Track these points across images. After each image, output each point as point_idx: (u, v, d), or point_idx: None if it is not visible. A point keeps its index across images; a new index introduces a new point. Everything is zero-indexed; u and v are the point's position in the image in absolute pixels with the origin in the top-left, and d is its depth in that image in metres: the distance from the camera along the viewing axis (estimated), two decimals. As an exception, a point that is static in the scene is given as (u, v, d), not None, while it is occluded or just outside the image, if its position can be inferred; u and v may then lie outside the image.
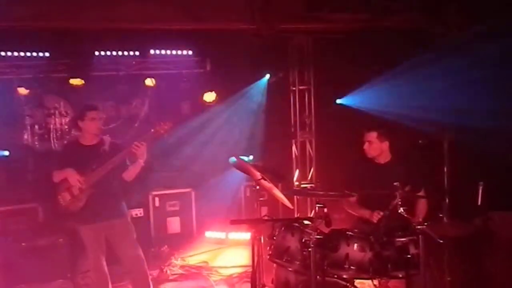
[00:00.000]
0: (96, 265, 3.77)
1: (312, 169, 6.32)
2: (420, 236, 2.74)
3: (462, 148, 3.70)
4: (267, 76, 6.28)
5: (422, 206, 3.52)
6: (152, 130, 3.67)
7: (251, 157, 5.29)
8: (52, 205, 5.30)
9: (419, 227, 2.71)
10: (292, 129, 6.36)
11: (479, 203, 2.99)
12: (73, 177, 3.59)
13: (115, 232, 3.77)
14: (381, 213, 3.23)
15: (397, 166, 3.62)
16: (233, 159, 3.43)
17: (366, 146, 3.69)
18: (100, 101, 6.19)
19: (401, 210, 2.87)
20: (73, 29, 4.89)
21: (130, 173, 3.72)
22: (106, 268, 3.80)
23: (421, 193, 3.55)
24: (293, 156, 6.38)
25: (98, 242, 3.76)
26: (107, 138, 3.83)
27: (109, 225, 3.73)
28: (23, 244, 4.78)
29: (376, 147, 3.66)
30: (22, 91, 5.68)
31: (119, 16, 4.65)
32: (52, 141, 6.24)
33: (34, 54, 5.34)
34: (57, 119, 6.28)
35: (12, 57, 5.31)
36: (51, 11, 4.51)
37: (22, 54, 5.30)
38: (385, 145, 3.67)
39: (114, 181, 3.72)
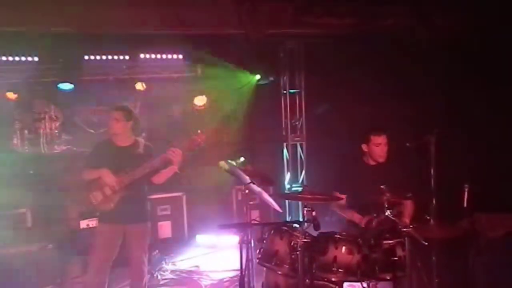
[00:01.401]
0: (101, 266, 3.70)
1: (303, 172, 6.35)
2: (406, 238, 2.77)
3: (448, 150, 3.75)
4: (257, 76, 6.29)
5: (409, 207, 3.55)
6: (189, 141, 3.66)
7: (242, 158, 5.30)
8: (43, 209, 5.32)
9: (405, 229, 2.74)
10: (283, 133, 6.38)
11: (465, 205, 3.02)
12: (109, 178, 3.57)
13: (133, 235, 3.75)
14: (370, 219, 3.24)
15: (387, 168, 3.64)
16: (223, 163, 3.45)
17: (378, 149, 3.61)
18: (90, 105, 6.20)
19: (388, 213, 2.90)
20: (63, 33, 4.88)
21: (162, 177, 3.72)
22: (108, 270, 3.76)
23: (408, 195, 3.56)
24: (284, 159, 6.40)
25: (113, 243, 3.72)
26: (141, 140, 3.83)
27: (130, 227, 3.72)
28: (11, 250, 4.74)
29: (385, 150, 3.64)
30: (11, 95, 5.65)
31: (109, 20, 4.64)
32: (41, 146, 6.20)
33: (23, 58, 5.30)
34: (47, 124, 6.23)
35: (0, 61, 5.27)
36: (40, 15, 4.50)
37: (10, 58, 5.27)
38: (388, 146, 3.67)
39: (144, 185, 3.73)
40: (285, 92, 6.32)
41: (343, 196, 3.58)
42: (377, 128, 3.69)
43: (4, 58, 5.24)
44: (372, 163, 3.70)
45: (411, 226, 2.75)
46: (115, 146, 3.76)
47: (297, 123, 6.35)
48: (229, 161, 3.62)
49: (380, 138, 3.63)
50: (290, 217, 5.99)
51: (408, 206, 3.53)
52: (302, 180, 6.32)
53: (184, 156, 3.66)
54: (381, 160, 3.66)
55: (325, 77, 6.52)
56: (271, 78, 6.20)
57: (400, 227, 2.79)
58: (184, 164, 3.74)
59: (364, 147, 3.68)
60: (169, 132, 6.21)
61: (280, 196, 3.76)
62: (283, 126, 6.37)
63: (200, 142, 3.66)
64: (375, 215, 3.06)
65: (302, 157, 6.36)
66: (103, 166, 3.62)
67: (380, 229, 3.07)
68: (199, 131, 3.68)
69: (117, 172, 3.60)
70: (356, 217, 3.48)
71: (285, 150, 6.39)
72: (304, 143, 6.37)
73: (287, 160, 6.38)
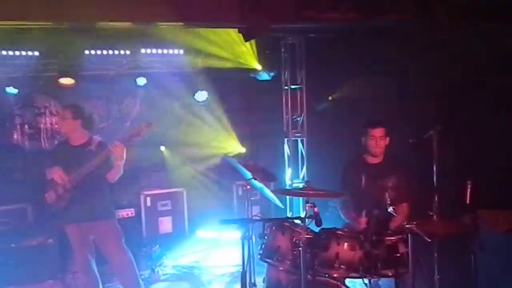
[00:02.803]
0: (84, 265, 3.76)
1: (304, 168, 6.34)
2: (409, 234, 2.76)
3: (451, 147, 3.73)
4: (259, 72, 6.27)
5: (402, 209, 3.48)
6: (131, 132, 3.69)
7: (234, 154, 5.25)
8: (40, 204, 5.32)
9: (407, 226, 2.73)
10: (284, 128, 6.36)
11: (467, 201, 3.01)
12: (59, 176, 3.59)
13: (100, 234, 3.77)
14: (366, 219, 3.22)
15: (388, 166, 3.62)
16: (225, 158, 3.44)
17: (373, 142, 3.59)
18: (91, 101, 6.18)
19: (390, 209, 2.89)
20: (63, 28, 4.84)
21: (112, 175, 3.70)
22: (95, 269, 3.78)
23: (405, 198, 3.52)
24: (285, 155, 6.38)
25: (85, 242, 3.75)
26: (96, 138, 3.81)
27: (93, 226, 3.72)
28: (12, 245, 4.74)
29: (382, 144, 3.61)
30: (11, 90, 5.62)
31: (109, 15, 4.61)
32: (42, 141, 6.19)
33: (24, 53, 5.27)
34: (47, 119, 6.22)
35: (0, 56, 5.24)
36: (41, 9, 4.46)
37: (11, 53, 5.24)
38: (387, 140, 3.64)
39: (98, 182, 3.69)
40: (286, 87, 6.29)
41: (345, 193, 3.56)
42: (374, 121, 3.66)
43: (4, 52, 5.21)
44: (371, 161, 3.68)
45: (413, 222, 2.73)
46: (69, 145, 3.78)
47: (298, 118, 6.32)
48: (228, 156, 3.61)
49: (376, 131, 3.60)
50: (291, 213, 5.99)
51: (402, 209, 3.47)
52: (304, 176, 6.31)
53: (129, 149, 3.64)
54: (377, 154, 3.63)
55: (327, 73, 6.51)
56: (272, 74, 6.17)
57: (403, 223, 2.78)
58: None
59: (363, 140, 3.67)
60: (169, 127, 6.21)
61: (282, 192, 3.75)
62: (284, 121, 6.35)
63: (139, 133, 3.63)
64: (377, 211, 3.04)
65: (303, 152, 6.35)
66: (59, 165, 3.63)
67: (382, 225, 3.06)
68: (143, 123, 3.67)
69: (69, 171, 3.60)
70: (355, 219, 3.46)
71: (286, 146, 6.37)
72: (305, 139, 6.35)
73: (288, 156, 6.36)
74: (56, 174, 3.60)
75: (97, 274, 3.79)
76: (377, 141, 3.59)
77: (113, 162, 3.64)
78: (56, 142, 6.02)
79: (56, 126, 6.24)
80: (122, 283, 3.91)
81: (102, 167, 3.63)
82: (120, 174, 3.72)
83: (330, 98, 6.72)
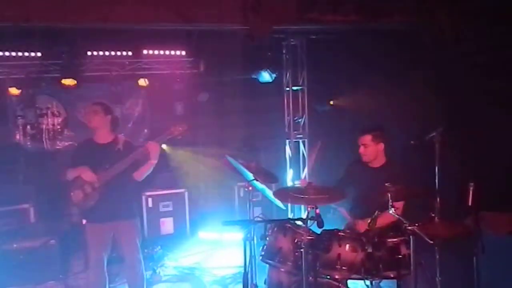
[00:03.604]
0: (96, 264, 3.72)
1: (305, 169, 6.34)
2: (411, 236, 2.76)
3: (453, 148, 3.73)
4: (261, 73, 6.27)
5: (398, 206, 3.47)
6: (167, 132, 3.65)
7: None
8: (46, 205, 5.33)
9: (410, 227, 2.73)
10: (286, 129, 6.37)
11: (470, 203, 3.00)
12: (88, 175, 3.56)
13: (123, 233, 3.75)
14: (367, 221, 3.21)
15: (388, 170, 3.61)
16: (228, 158, 3.45)
17: (362, 150, 3.61)
18: (93, 101, 6.20)
19: (392, 211, 2.88)
20: (66, 29, 4.86)
21: (141, 173, 3.70)
22: (105, 268, 3.78)
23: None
24: (287, 156, 6.39)
25: (104, 241, 3.73)
26: (121, 137, 3.81)
27: (117, 225, 3.71)
28: (14, 245, 4.75)
29: (373, 150, 3.61)
30: (14, 91, 5.64)
31: (112, 16, 4.62)
32: (44, 142, 6.21)
33: (26, 54, 5.29)
34: (49, 119, 6.25)
35: (3, 57, 5.27)
36: (43, 11, 4.48)
37: (13, 54, 5.26)
38: (381, 146, 3.62)
39: (126, 181, 3.69)
40: (287, 89, 6.30)
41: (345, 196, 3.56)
42: (362, 129, 3.66)
43: (7, 53, 5.24)
44: (372, 165, 3.67)
45: (416, 224, 2.73)
46: (95, 144, 3.75)
47: (299, 120, 6.33)
48: (229, 158, 3.61)
49: (363, 139, 3.60)
50: (292, 214, 5.99)
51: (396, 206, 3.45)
52: (305, 177, 6.30)
53: (161, 148, 3.65)
54: (367, 160, 3.63)
55: (328, 74, 6.52)
56: (274, 75, 6.17)
57: (405, 225, 2.78)
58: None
59: (358, 148, 3.68)
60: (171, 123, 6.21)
61: (283, 196, 3.74)
62: (286, 123, 6.36)
63: (177, 134, 3.64)
64: (378, 212, 3.04)
65: (305, 154, 6.35)
66: (84, 164, 3.61)
67: (384, 227, 3.06)
68: (176, 124, 3.67)
69: (97, 170, 3.59)
70: (354, 222, 3.46)
71: (287, 147, 6.38)
72: (306, 140, 6.36)
73: (289, 157, 6.37)
74: (86, 173, 3.56)
75: (106, 274, 3.78)
76: (361, 148, 3.62)
77: (144, 161, 3.65)
78: (47, 144, 6.07)
79: (58, 127, 6.28)
80: (129, 282, 3.91)
81: (132, 166, 3.63)
82: (148, 173, 3.72)
83: (331, 102, 6.72)
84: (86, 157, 3.67)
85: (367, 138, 3.60)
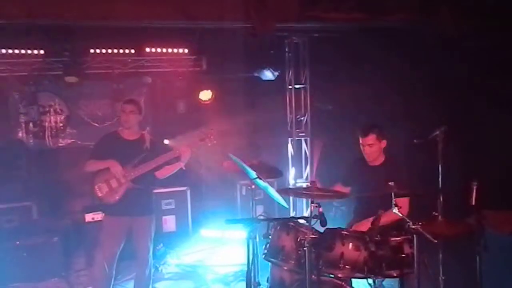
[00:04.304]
0: (108, 259, 3.72)
1: (307, 168, 6.34)
2: (414, 235, 2.75)
3: (456, 147, 3.72)
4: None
5: (401, 203, 3.45)
6: (200, 136, 3.72)
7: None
8: (49, 202, 5.32)
9: (413, 226, 2.72)
10: (288, 128, 6.37)
11: (473, 202, 3.00)
12: (117, 169, 3.58)
13: (140, 228, 3.78)
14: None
15: (389, 168, 3.60)
16: (231, 156, 3.44)
17: (366, 150, 3.58)
18: (95, 99, 6.21)
19: (395, 209, 2.88)
20: (68, 26, 4.86)
21: (165, 172, 3.75)
22: (115, 263, 3.78)
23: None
24: (289, 154, 6.39)
25: (119, 235, 3.74)
26: (147, 135, 3.86)
27: (136, 221, 3.75)
28: (17, 242, 4.76)
29: (377, 149, 3.59)
30: (17, 88, 5.64)
31: (115, 13, 4.62)
32: (46, 139, 6.22)
33: (29, 51, 5.29)
34: (52, 117, 6.26)
35: (6, 54, 5.26)
36: (46, 8, 4.48)
37: (16, 51, 5.25)
38: (383, 144, 3.61)
39: (151, 179, 3.74)
40: (290, 87, 6.29)
41: (346, 190, 3.56)
42: (363, 129, 3.62)
43: (10, 51, 5.23)
44: (372, 164, 3.66)
45: (419, 223, 2.72)
46: (122, 139, 3.78)
47: (302, 118, 6.33)
48: (231, 156, 3.61)
49: (368, 139, 3.56)
50: (294, 213, 5.99)
51: (400, 203, 3.45)
52: (307, 176, 6.31)
53: (193, 153, 3.69)
54: (370, 159, 3.61)
55: (331, 73, 6.51)
56: (276, 73, 6.17)
57: (408, 223, 2.77)
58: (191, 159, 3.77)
59: (361, 148, 3.66)
60: (173, 126, 6.21)
61: (287, 192, 3.75)
62: (288, 121, 6.36)
63: (212, 139, 3.69)
64: (381, 211, 3.04)
65: (307, 152, 6.35)
66: (110, 158, 3.63)
67: (387, 226, 3.06)
68: (211, 129, 3.73)
69: (124, 165, 3.62)
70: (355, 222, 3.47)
71: (289, 145, 6.38)
72: (308, 138, 6.35)
73: (292, 155, 6.37)
74: (116, 167, 3.58)
75: (114, 268, 3.78)
76: (366, 148, 3.59)
77: (172, 163, 3.70)
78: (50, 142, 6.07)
79: (61, 124, 6.28)
80: (137, 277, 3.92)
81: (161, 166, 3.67)
82: (171, 174, 3.78)
83: (330, 107, 6.71)
84: (113, 151, 3.68)
85: (372, 138, 3.57)
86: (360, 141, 3.62)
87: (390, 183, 2.94)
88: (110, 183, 3.64)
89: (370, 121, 3.91)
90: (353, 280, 3.14)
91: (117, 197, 3.64)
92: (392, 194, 2.91)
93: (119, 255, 3.82)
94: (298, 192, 3.44)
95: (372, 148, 3.58)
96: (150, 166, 3.62)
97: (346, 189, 3.70)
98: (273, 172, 3.66)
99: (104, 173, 3.63)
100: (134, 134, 3.79)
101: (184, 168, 3.74)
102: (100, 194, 3.67)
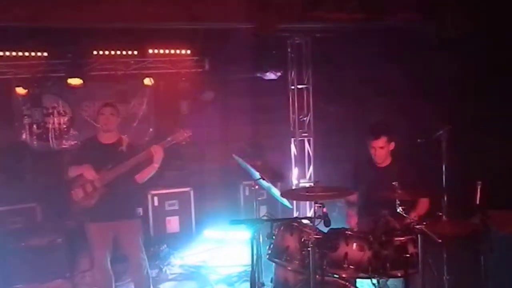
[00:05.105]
0: (100, 263, 3.76)
1: (310, 168, 6.33)
2: (418, 235, 2.75)
3: (460, 146, 3.71)
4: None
5: (422, 204, 3.50)
6: (172, 137, 3.67)
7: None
8: (49, 203, 5.34)
9: (417, 226, 2.72)
10: (291, 128, 6.37)
11: (477, 202, 2.99)
12: (90, 174, 3.58)
13: (123, 232, 3.77)
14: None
15: (396, 169, 3.60)
16: (235, 157, 3.46)
17: (377, 152, 3.57)
18: (98, 101, 6.21)
19: (400, 209, 2.88)
20: (72, 28, 4.88)
21: (143, 175, 3.71)
22: (110, 267, 3.80)
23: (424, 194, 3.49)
24: (292, 154, 6.38)
25: (105, 240, 3.75)
26: (125, 138, 3.84)
27: (118, 225, 3.73)
28: (21, 243, 4.78)
29: (387, 151, 3.59)
30: (20, 90, 5.67)
31: (117, 15, 4.63)
32: (50, 141, 6.24)
33: (33, 53, 5.31)
34: (55, 119, 6.27)
35: (10, 56, 5.29)
36: (49, 10, 4.49)
37: (20, 53, 5.28)
38: (392, 146, 3.62)
39: (127, 182, 3.69)
40: (292, 87, 6.29)
41: (353, 197, 3.55)
42: (374, 131, 3.61)
43: (14, 53, 5.26)
44: (379, 165, 3.66)
45: (423, 223, 2.72)
46: (99, 143, 3.77)
47: (304, 118, 6.32)
48: (237, 157, 3.62)
49: (378, 142, 3.55)
50: (297, 213, 5.99)
51: (423, 203, 3.48)
52: (310, 176, 6.30)
53: (165, 153, 3.65)
54: (379, 161, 3.61)
55: (333, 73, 6.50)
56: (279, 73, 6.17)
57: (412, 223, 2.77)
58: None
59: (370, 150, 3.65)
60: (176, 127, 6.21)
61: (288, 193, 3.74)
62: (291, 121, 6.36)
63: (182, 139, 3.65)
64: (386, 212, 3.04)
65: (310, 152, 6.34)
66: (87, 163, 3.62)
67: (390, 227, 3.05)
68: (180, 130, 3.68)
69: (100, 169, 3.60)
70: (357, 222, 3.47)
71: (292, 146, 6.37)
72: (311, 138, 6.35)
73: (295, 156, 6.36)
74: (88, 171, 3.58)
75: (111, 273, 3.80)
76: (377, 151, 3.57)
77: (147, 164, 3.66)
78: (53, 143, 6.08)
79: (64, 126, 6.30)
80: (135, 281, 3.93)
81: (135, 169, 3.64)
82: (149, 176, 3.73)
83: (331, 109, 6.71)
84: (90, 156, 3.68)
85: (383, 141, 3.56)
86: (371, 144, 3.59)
87: (393, 183, 2.94)
88: (85, 188, 3.62)
89: (379, 123, 3.86)
90: (357, 280, 3.14)
91: (93, 202, 3.62)
92: (396, 194, 2.91)
93: (122, 257, 3.85)
94: (302, 196, 3.41)
95: (383, 150, 3.58)
96: (123, 168, 3.57)
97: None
98: (276, 175, 3.66)
99: (80, 178, 3.63)
100: (111, 137, 3.77)
101: (155, 168, 3.66)
102: (76, 200, 3.66)
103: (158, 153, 3.61)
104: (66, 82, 5.48)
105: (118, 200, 3.66)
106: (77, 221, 5.39)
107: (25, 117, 6.11)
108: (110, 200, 3.61)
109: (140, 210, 5.62)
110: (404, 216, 2.87)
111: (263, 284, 3.43)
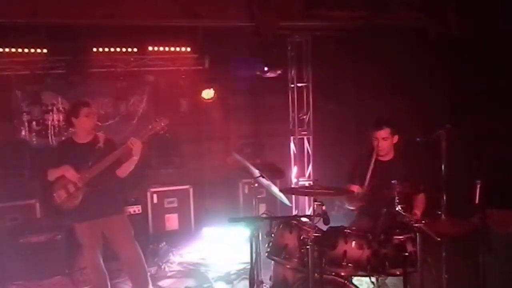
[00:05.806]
0: (93, 262, 3.77)
1: (310, 166, 6.34)
2: (417, 234, 2.75)
3: (460, 145, 3.71)
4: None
5: (420, 200, 3.51)
6: (149, 127, 3.65)
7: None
8: (48, 203, 5.33)
9: (416, 225, 2.72)
10: (291, 126, 6.37)
11: (476, 201, 2.99)
12: (71, 174, 3.57)
13: (112, 229, 3.77)
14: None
15: (398, 164, 3.60)
16: (234, 155, 3.45)
17: (380, 144, 3.56)
18: (98, 98, 6.21)
19: (398, 208, 2.88)
20: (71, 25, 4.87)
21: (124, 170, 3.70)
22: (103, 265, 3.81)
23: (421, 188, 3.50)
24: (291, 153, 6.39)
25: (95, 239, 3.76)
26: (101, 135, 3.81)
27: (105, 222, 3.73)
28: (20, 240, 4.78)
29: (390, 143, 3.59)
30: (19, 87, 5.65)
31: (117, 12, 4.63)
32: (49, 138, 6.22)
33: (32, 50, 5.29)
34: (54, 116, 6.26)
35: (9, 53, 5.27)
36: (49, 7, 4.49)
37: (19, 50, 5.26)
38: (395, 139, 3.62)
39: (109, 178, 3.69)
40: (292, 85, 6.29)
41: (355, 189, 3.54)
42: (377, 122, 3.62)
43: (13, 50, 5.24)
44: (381, 159, 3.66)
45: (423, 221, 2.72)
46: (75, 143, 3.75)
47: (304, 117, 6.33)
48: (237, 154, 3.61)
49: (382, 132, 3.56)
50: (297, 211, 5.99)
51: (420, 200, 3.50)
52: (310, 174, 6.31)
53: (146, 146, 3.63)
54: (381, 154, 3.60)
55: (333, 71, 6.50)
56: (279, 71, 6.17)
57: (411, 222, 2.77)
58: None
59: (373, 142, 3.64)
60: (176, 125, 6.21)
61: (290, 191, 3.74)
62: (290, 119, 6.36)
63: (159, 129, 3.62)
64: (385, 210, 3.04)
65: (309, 151, 6.35)
66: (64, 164, 3.60)
67: (390, 224, 3.06)
68: (157, 119, 3.65)
69: (79, 169, 3.59)
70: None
71: (292, 144, 6.37)
72: (311, 137, 6.35)
73: (294, 154, 6.37)
74: (69, 172, 3.57)
75: (105, 270, 3.81)
76: (380, 142, 3.57)
77: (126, 158, 3.65)
78: (53, 140, 6.07)
79: (64, 123, 6.29)
80: (131, 277, 3.93)
81: (115, 164, 3.63)
82: (130, 170, 3.72)
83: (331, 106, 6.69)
84: (67, 157, 3.66)
85: (386, 131, 3.56)
86: (374, 135, 3.58)
87: (393, 181, 2.94)
88: (67, 189, 3.61)
89: (384, 116, 3.87)
90: (356, 278, 3.15)
91: (76, 202, 3.61)
92: (395, 192, 2.91)
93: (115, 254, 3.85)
94: (301, 191, 3.44)
95: (386, 142, 3.57)
96: (103, 165, 3.56)
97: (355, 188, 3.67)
98: (275, 172, 3.66)
99: (61, 180, 3.62)
100: (86, 136, 3.75)
101: (137, 161, 3.62)
102: (59, 201, 3.64)
103: (136, 145, 3.58)
104: (66, 79, 5.47)
105: (102, 197, 3.66)
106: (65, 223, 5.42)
107: (25, 113, 6.09)
108: (94, 198, 3.61)
109: (139, 207, 5.64)
110: (403, 214, 2.86)
111: (262, 282, 3.43)
